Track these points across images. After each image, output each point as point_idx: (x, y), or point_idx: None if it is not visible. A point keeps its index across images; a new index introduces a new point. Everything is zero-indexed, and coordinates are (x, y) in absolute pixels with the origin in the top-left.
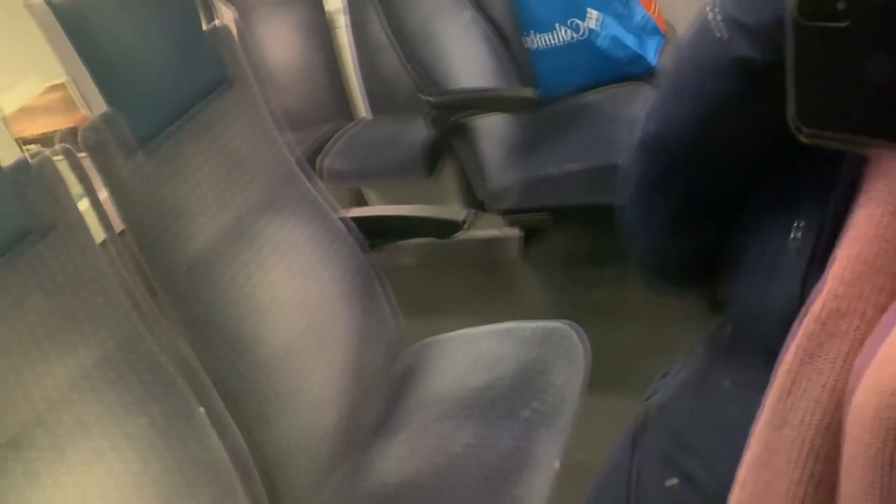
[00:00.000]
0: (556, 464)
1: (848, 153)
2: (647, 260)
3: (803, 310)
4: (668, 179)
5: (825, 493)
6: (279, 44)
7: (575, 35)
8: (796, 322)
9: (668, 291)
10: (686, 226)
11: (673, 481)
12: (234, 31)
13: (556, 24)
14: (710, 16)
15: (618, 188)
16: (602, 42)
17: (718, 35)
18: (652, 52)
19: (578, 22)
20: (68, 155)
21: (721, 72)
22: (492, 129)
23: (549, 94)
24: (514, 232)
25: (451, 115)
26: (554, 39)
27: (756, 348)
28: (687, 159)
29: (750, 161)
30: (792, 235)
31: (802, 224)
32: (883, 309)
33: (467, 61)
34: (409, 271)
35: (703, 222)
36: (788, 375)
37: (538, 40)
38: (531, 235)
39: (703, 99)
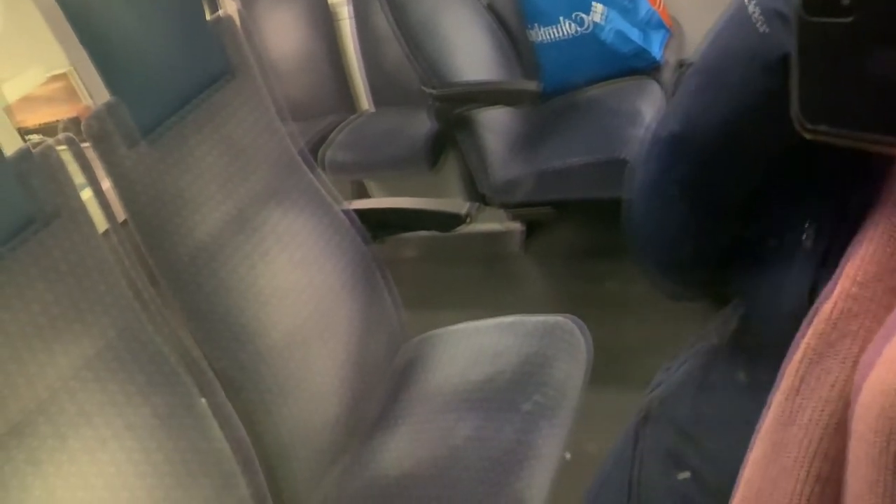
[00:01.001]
0: (567, 455)
1: (865, 154)
2: (654, 259)
3: (813, 308)
4: (688, 180)
5: (832, 493)
6: (282, 34)
7: (579, 29)
8: (805, 320)
9: (672, 291)
10: (700, 226)
11: (685, 474)
12: (238, 21)
13: (561, 18)
14: (750, 8)
15: (625, 185)
16: (606, 36)
17: (761, 29)
18: (656, 47)
19: (583, 16)
20: (71, 144)
21: (761, 68)
22: (495, 123)
23: (552, 87)
24: (517, 226)
25: (455, 107)
26: (558, 33)
27: (764, 345)
28: (711, 159)
29: (775, 161)
30: (804, 234)
31: (815, 224)
32: (893, 309)
33: (471, 54)
34: (411, 264)
35: (717, 222)
36: (797, 374)
37: (543, 34)
38: (533, 229)
39: (738, 96)
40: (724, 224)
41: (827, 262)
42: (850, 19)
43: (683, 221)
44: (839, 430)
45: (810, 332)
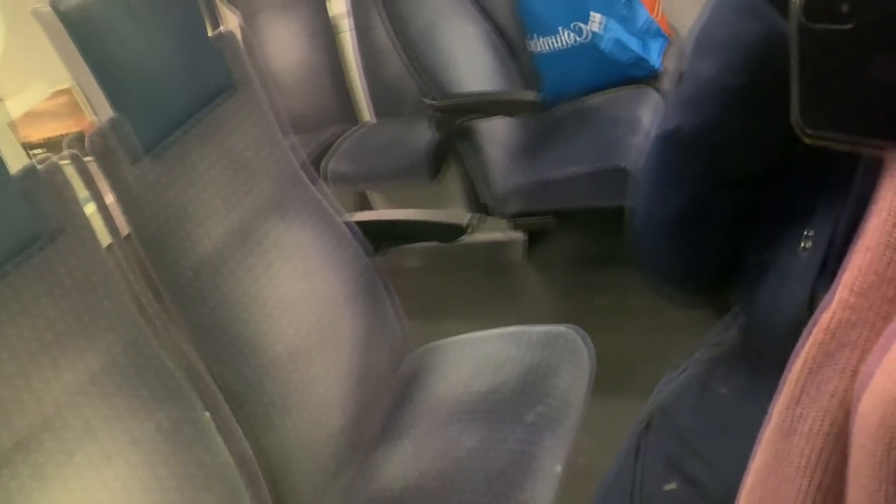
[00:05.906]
0: (558, 468)
1: (861, 162)
2: (654, 268)
3: (812, 318)
4: (687, 161)
5: (833, 502)
6: (284, 48)
7: (578, 38)
8: (805, 331)
9: (674, 297)
10: (690, 251)
11: (671, 485)
12: (239, 36)
13: (560, 28)
14: None
15: (628, 191)
16: (605, 45)
17: None
18: (655, 55)
19: (582, 25)
20: (75, 160)
21: (746, 12)
22: (496, 133)
23: (552, 97)
24: (519, 235)
25: (455, 118)
26: (557, 43)
27: (763, 354)
28: (711, 129)
29: (771, 149)
30: (802, 244)
31: (812, 233)
32: (891, 319)
33: (471, 65)
34: (413, 275)
35: (715, 222)
36: (797, 384)
37: (542, 44)
38: (535, 239)
39: (731, 45)
40: (712, 253)
41: (825, 271)
42: (850, 26)
43: (678, 219)
44: (840, 439)
45: (809, 341)
